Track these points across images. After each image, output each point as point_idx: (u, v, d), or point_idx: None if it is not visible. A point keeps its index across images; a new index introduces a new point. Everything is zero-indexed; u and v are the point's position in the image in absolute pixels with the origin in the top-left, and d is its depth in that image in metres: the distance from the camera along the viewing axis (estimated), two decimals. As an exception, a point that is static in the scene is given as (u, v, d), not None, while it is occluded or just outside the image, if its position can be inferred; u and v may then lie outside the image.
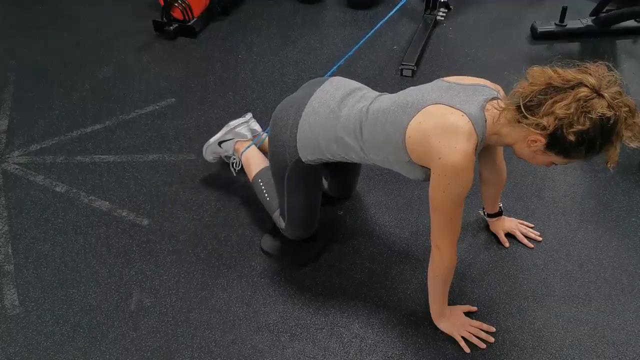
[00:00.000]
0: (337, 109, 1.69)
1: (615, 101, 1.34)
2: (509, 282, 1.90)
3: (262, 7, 3.56)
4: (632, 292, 1.87)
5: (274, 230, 2.03)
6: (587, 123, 1.33)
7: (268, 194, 2.01)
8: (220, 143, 2.21)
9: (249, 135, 2.21)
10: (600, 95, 1.34)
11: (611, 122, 1.33)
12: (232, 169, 2.20)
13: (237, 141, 2.18)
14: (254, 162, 2.11)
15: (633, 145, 1.38)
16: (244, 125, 2.22)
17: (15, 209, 2.20)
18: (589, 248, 2.02)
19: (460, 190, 1.49)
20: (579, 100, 1.33)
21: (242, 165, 2.16)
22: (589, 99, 1.33)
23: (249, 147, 2.15)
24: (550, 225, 2.10)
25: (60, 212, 2.19)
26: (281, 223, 1.97)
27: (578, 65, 1.42)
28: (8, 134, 2.57)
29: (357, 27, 3.35)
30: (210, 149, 2.24)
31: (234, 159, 2.19)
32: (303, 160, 1.76)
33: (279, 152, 1.81)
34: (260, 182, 2.05)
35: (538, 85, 1.40)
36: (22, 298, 1.88)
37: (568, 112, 1.33)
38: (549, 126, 1.36)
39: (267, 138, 2.22)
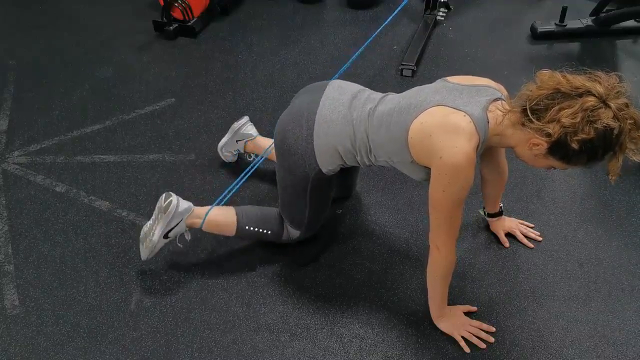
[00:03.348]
0: (348, 113, 1.69)
1: (621, 113, 1.34)
2: (509, 282, 1.90)
3: (262, 7, 3.56)
4: (632, 292, 1.87)
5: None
6: (592, 132, 1.33)
7: (264, 228, 1.91)
8: (166, 235, 1.86)
9: (191, 205, 1.90)
10: (607, 106, 1.34)
11: (615, 133, 1.34)
12: (186, 238, 1.91)
13: (187, 217, 1.88)
14: (224, 218, 1.91)
15: (636, 158, 1.38)
16: (181, 202, 1.88)
17: (15, 209, 2.20)
18: (589, 248, 2.02)
19: (460, 189, 1.49)
20: (585, 109, 1.33)
21: (189, 236, 1.93)
22: (596, 109, 1.33)
23: (209, 211, 1.90)
24: (550, 225, 2.10)
25: (60, 212, 2.19)
26: (294, 234, 1.93)
27: (589, 72, 1.41)
28: (8, 134, 2.57)
29: (357, 27, 3.35)
30: (156, 246, 1.87)
31: (187, 235, 1.92)
32: (324, 171, 1.75)
33: (296, 164, 1.76)
34: (248, 227, 1.91)
35: (546, 90, 1.39)
36: (22, 298, 1.88)
37: (574, 121, 1.33)
38: (554, 134, 1.36)
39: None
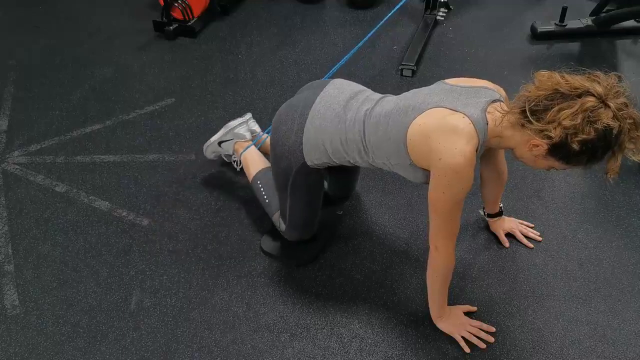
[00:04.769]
0: (342, 113, 1.69)
1: (621, 112, 1.34)
2: (509, 282, 1.90)
3: (262, 7, 3.57)
4: (632, 292, 1.87)
5: (274, 231, 2.03)
6: (592, 132, 1.33)
7: (267, 196, 2.01)
8: (220, 143, 2.22)
9: (248, 136, 2.21)
10: (606, 105, 1.34)
11: (614, 133, 1.34)
12: (235, 166, 2.21)
13: (236, 142, 2.19)
14: (253, 163, 2.11)
15: (635, 158, 1.38)
16: (243, 126, 2.21)
17: (15, 209, 2.20)
18: (589, 248, 2.02)
19: (459, 191, 1.49)
20: (585, 110, 1.33)
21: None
22: (595, 109, 1.33)
23: (247, 147, 2.15)
24: (550, 225, 2.10)
25: (60, 212, 2.19)
26: (281, 225, 1.96)
27: (588, 72, 1.41)
28: (8, 134, 2.57)
29: (357, 27, 3.35)
30: (211, 149, 2.26)
31: (235, 158, 2.20)
32: (309, 164, 1.76)
33: (283, 156, 1.79)
34: (259, 183, 2.04)
35: (545, 90, 1.39)
36: (22, 298, 1.88)
37: (575, 122, 1.33)
38: (556, 137, 1.36)
39: (267, 139, 2.23)
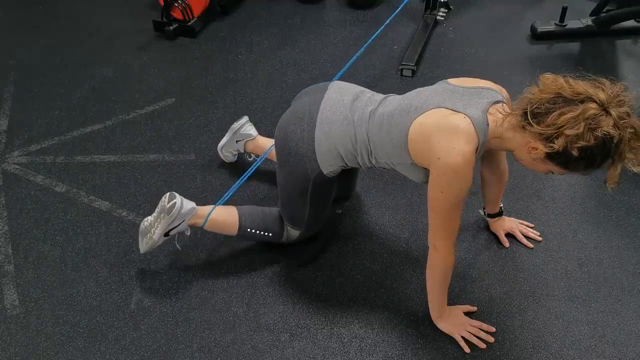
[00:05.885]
0: (349, 115, 1.69)
1: (622, 121, 1.34)
2: (509, 282, 1.90)
3: (262, 7, 3.57)
4: (632, 292, 1.87)
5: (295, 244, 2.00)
6: (592, 140, 1.33)
7: (266, 230, 1.92)
8: (166, 234, 1.85)
9: (194, 205, 1.88)
10: (608, 113, 1.34)
11: (614, 141, 1.34)
12: (186, 233, 1.89)
13: (189, 217, 1.87)
14: (227, 217, 1.91)
15: (635, 169, 1.37)
16: (184, 203, 1.85)
17: (15, 209, 2.20)
18: (589, 248, 2.02)
19: (458, 191, 1.49)
20: (587, 118, 1.33)
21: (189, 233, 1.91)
22: (597, 116, 1.33)
23: (211, 212, 1.89)
24: (550, 225, 2.10)
25: (60, 212, 2.18)
26: (293, 234, 1.93)
27: (594, 79, 1.41)
28: (8, 134, 2.57)
29: (357, 27, 3.35)
30: (156, 243, 1.87)
31: (184, 229, 1.89)
32: (324, 172, 1.75)
33: (298, 166, 1.76)
34: (250, 229, 1.91)
35: (548, 94, 1.39)
36: (22, 298, 1.88)
37: (578, 131, 1.33)
38: (559, 146, 1.35)
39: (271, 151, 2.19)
